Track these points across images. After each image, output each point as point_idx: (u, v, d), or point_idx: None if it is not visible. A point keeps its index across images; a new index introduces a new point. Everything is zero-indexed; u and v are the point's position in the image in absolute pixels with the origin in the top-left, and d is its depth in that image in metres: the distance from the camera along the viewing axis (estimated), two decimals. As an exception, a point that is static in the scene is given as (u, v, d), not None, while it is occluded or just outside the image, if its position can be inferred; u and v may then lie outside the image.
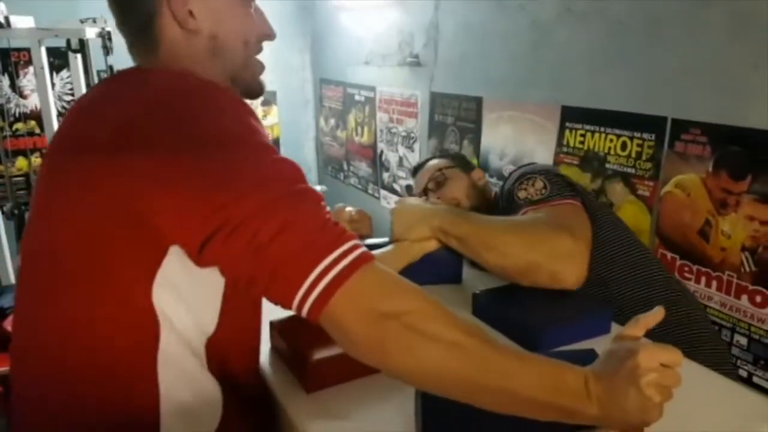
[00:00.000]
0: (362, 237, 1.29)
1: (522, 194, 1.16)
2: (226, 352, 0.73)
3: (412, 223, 1.12)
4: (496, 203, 1.31)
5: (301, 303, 0.61)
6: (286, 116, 3.82)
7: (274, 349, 0.96)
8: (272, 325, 0.97)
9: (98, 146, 0.63)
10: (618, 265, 1.11)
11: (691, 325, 1.12)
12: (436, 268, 1.18)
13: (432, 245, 1.12)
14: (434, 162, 1.49)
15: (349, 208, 1.32)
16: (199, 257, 0.62)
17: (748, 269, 1.54)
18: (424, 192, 1.42)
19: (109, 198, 0.62)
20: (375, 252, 1.13)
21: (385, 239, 1.19)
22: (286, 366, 0.91)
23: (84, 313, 0.65)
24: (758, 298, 1.53)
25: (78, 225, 0.64)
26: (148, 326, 0.66)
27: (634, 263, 1.13)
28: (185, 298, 0.67)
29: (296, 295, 0.60)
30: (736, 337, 1.59)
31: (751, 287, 1.54)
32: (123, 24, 0.77)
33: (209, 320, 0.71)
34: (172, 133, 0.62)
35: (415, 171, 1.54)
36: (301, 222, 0.61)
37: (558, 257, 1.02)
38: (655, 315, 0.70)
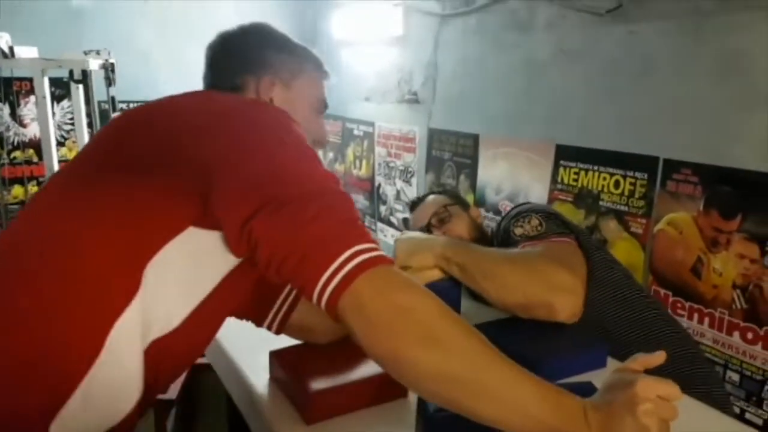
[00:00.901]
0: None
1: (518, 231, 1.19)
2: (170, 352, 0.74)
3: (416, 251, 1.15)
4: (491, 241, 1.34)
5: (325, 285, 0.63)
6: (285, 149, 3.86)
7: (274, 380, 0.97)
8: (272, 355, 0.98)
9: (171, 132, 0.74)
10: (614, 305, 1.12)
11: (688, 365, 1.12)
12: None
13: (435, 274, 1.14)
14: (435, 197, 1.51)
15: None
16: (241, 232, 0.66)
17: (739, 306, 1.57)
18: (427, 228, 1.44)
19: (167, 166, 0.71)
20: None
21: None
22: (286, 397, 0.92)
23: (81, 240, 0.68)
24: (749, 335, 1.55)
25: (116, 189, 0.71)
26: (127, 289, 0.67)
27: (630, 304, 1.14)
28: (172, 282, 0.70)
29: (322, 277, 0.63)
30: (729, 373, 1.60)
31: (742, 324, 1.57)
32: (212, 84, 0.94)
33: (177, 315, 0.73)
34: (240, 131, 0.73)
35: (413, 206, 1.57)
36: (336, 214, 0.67)
37: (554, 289, 1.04)
38: (656, 357, 0.71)
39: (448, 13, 2.61)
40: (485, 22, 2.41)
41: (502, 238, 1.25)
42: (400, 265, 1.15)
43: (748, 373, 1.57)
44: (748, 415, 1.58)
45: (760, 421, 1.55)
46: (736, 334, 1.58)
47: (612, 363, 1.02)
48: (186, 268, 0.71)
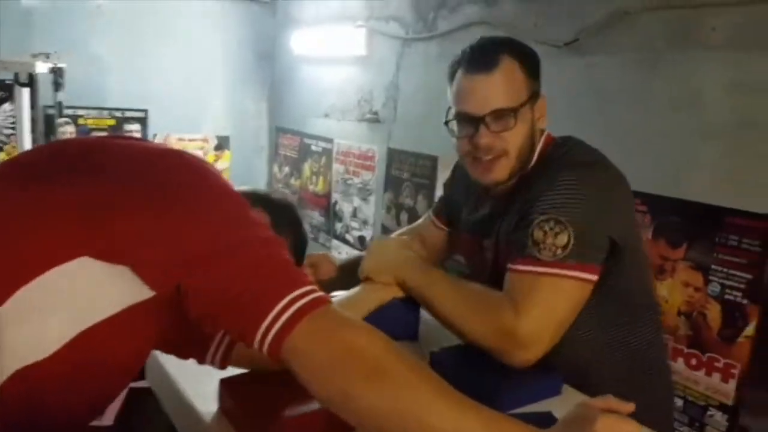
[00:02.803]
0: (322, 281, 1.29)
1: (537, 236, 0.98)
2: (41, 388, 0.65)
3: (381, 269, 1.12)
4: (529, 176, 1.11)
5: (264, 335, 0.63)
6: (239, 162, 3.81)
7: (224, 412, 0.91)
8: (222, 384, 0.92)
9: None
10: (612, 351, 1.10)
11: (661, 408, 1.15)
12: (392, 324, 1.16)
13: (396, 291, 1.12)
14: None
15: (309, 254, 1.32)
16: (165, 278, 0.65)
17: (683, 333, 1.63)
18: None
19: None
20: (344, 293, 1.15)
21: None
22: (236, 430, 0.86)
23: None
24: (693, 361, 1.61)
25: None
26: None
27: (632, 353, 1.11)
28: (55, 301, 0.64)
29: (259, 328, 0.63)
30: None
31: (686, 350, 1.63)
32: None
33: (52, 342, 0.64)
34: (162, 180, 0.69)
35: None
36: (268, 261, 0.66)
37: (509, 343, 0.98)
38: (626, 406, 0.72)
39: (411, 37, 2.64)
40: (447, 48, 2.45)
41: (523, 212, 1.04)
42: (365, 276, 1.14)
43: (691, 399, 1.62)
44: (691, 439, 1.63)
45: (701, 445, 1.61)
46: (680, 360, 1.64)
47: (566, 390, 1.03)
48: (71, 296, 0.64)
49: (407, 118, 2.69)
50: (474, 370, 1.01)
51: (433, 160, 2.50)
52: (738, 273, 1.51)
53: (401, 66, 2.71)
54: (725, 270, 1.54)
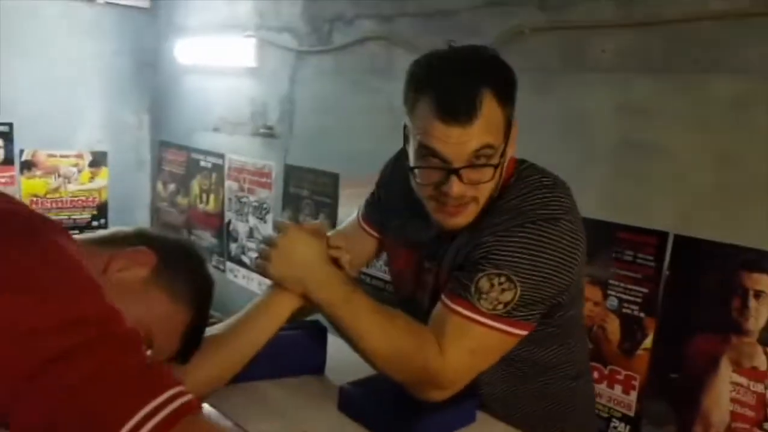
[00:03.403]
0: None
1: (483, 285, 0.92)
2: None
3: (289, 276, 0.96)
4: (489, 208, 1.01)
5: None
6: (118, 179, 3.50)
7: None
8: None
9: None
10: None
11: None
12: (297, 357, 1.12)
13: (298, 303, 0.99)
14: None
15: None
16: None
17: (586, 346, 1.68)
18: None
19: None
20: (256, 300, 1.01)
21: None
22: None
23: None
24: (595, 374, 1.66)
25: None
26: None
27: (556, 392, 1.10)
28: None
29: None
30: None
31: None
32: None
33: None
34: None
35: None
36: (119, 366, 0.56)
37: (426, 380, 0.95)
38: None
39: (305, 50, 2.56)
40: (343, 62, 2.40)
41: (474, 247, 0.97)
42: (269, 277, 0.99)
43: (595, 411, 1.67)
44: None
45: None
46: (584, 372, 1.68)
47: (480, 417, 1.03)
48: None
49: (305, 133, 2.60)
50: (387, 403, 0.99)
51: (334, 178, 2.42)
52: (634, 287, 1.57)
53: (296, 79, 2.62)
54: (622, 285, 1.60)
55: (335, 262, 0.98)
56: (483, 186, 0.96)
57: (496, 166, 0.95)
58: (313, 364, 1.16)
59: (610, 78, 1.64)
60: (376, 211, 1.26)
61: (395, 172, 1.20)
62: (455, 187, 0.94)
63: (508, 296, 0.92)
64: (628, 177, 1.60)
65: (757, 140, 1.39)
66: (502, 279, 0.92)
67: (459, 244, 1.03)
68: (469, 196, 0.97)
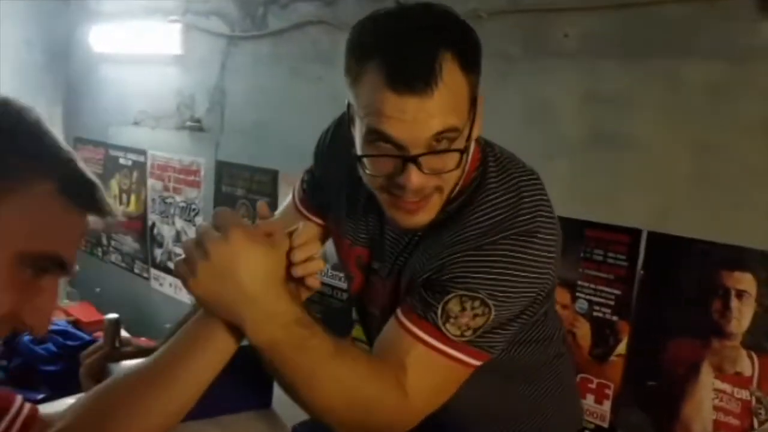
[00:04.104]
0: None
1: (452, 308, 0.79)
2: None
3: (213, 300, 0.69)
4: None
5: None
6: (26, 179, 3.18)
7: None
8: None
9: None
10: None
11: None
12: (239, 391, 0.95)
13: (226, 339, 0.73)
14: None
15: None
16: None
17: (554, 353, 1.56)
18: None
19: None
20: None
21: None
22: None
23: None
24: (564, 382, 1.55)
25: None
26: None
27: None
28: None
29: None
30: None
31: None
32: None
33: None
34: None
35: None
36: None
37: (386, 420, 0.80)
38: None
39: (237, 35, 2.38)
40: (281, 48, 2.23)
41: (439, 257, 0.83)
42: (188, 291, 0.70)
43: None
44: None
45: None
46: (552, 381, 1.57)
47: None
48: None
49: (238, 126, 2.42)
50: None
51: (273, 174, 2.26)
52: (605, 289, 1.48)
53: (227, 67, 2.44)
54: (592, 286, 1.50)
55: (296, 279, 0.72)
56: (447, 175, 0.79)
57: (462, 152, 0.78)
58: (258, 397, 0.99)
59: (574, 64, 1.54)
60: (314, 190, 1.06)
61: (336, 142, 1.00)
62: (414, 177, 0.76)
63: (479, 321, 0.79)
64: (596, 170, 1.51)
65: (736, 128, 1.31)
66: (476, 303, 0.79)
67: (417, 249, 0.86)
68: (431, 187, 0.79)
